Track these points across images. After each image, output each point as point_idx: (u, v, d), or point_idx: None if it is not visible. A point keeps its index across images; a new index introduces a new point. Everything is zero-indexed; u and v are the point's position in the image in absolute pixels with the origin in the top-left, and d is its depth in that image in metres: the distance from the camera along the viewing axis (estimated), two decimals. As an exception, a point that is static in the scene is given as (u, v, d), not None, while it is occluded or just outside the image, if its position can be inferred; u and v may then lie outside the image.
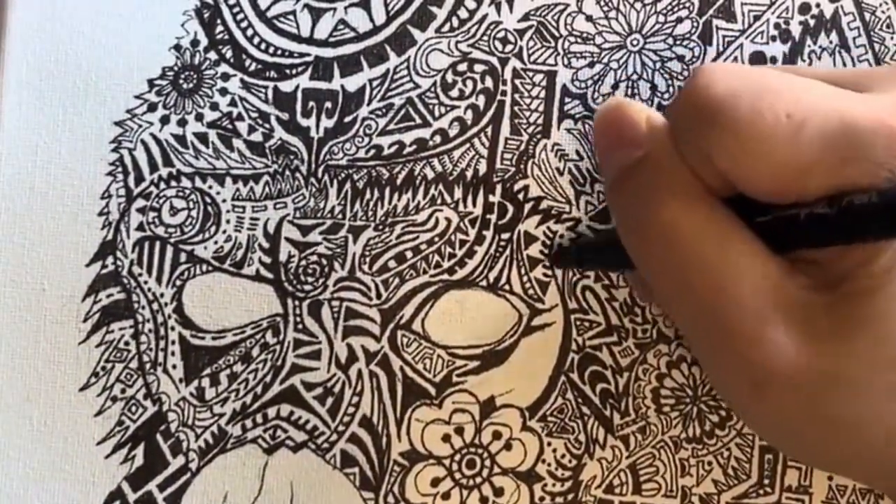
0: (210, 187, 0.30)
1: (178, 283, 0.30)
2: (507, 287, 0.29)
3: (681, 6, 0.30)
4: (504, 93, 0.30)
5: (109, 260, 0.30)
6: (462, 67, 0.30)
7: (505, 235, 0.29)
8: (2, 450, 0.29)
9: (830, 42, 0.29)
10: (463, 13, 0.30)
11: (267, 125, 0.30)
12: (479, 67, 0.30)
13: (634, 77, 0.30)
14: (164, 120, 0.30)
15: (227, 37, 0.30)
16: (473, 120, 0.30)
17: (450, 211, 0.30)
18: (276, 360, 0.29)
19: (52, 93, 0.30)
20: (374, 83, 0.30)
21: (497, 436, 0.29)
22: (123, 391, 0.30)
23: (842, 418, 0.22)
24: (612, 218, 0.28)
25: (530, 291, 0.29)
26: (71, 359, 0.30)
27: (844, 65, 0.29)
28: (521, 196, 0.30)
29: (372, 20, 0.30)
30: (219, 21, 0.30)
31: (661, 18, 0.30)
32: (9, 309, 0.30)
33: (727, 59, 0.30)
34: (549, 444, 0.29)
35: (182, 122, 0.30)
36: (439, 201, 0.30)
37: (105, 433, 0.29)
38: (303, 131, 0.30)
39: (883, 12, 0.29)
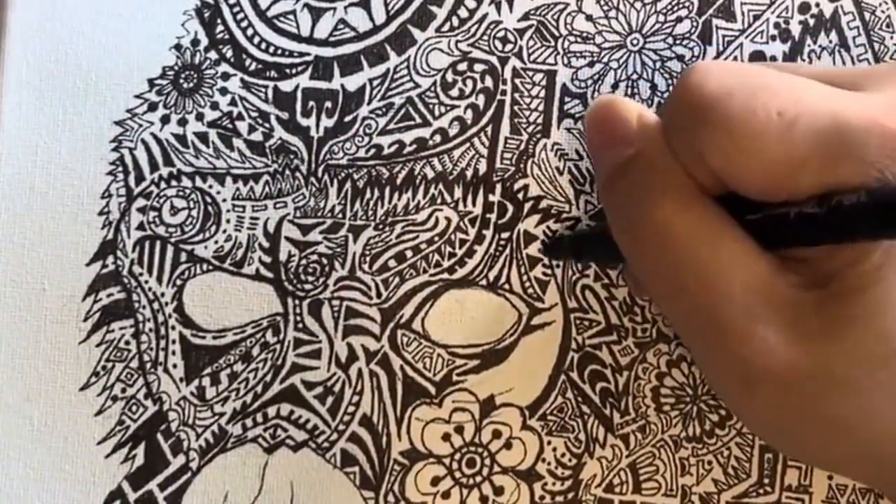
0: (210, 187, 0.30)
1: (179, 282, 0.30)
2: (506, 286, 0.29)
3: (680, 6, 0.30)
4: (504, 92, 0.30)
5: (110, 259, 0.30)
6: (462, 67, 0.30)
7: (505, 235, 0.30)
8: (2, 450, 0.29)
9: (830, 41, 0.29)
10: (463, 12, 0.30)
11: (267, 125, 0.30)
12: (479, 67, 0.30)
13: (634, 77, 0.30)
14: (165, 119, 0.30)
15: (227, 36, 0.30)
16: (473, 119, 0.30)
17: (450, 210, 0.30)
18: (276, 360, 0.30)
19: (52, 93, 0.30)
20: (375, 83, 0.30)
21: (497, 435, 0.29)
22: (124, 391, 0.30)
23: (831, 416, 0.22)
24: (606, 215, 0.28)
25: (530, 290, 0.29)
26: (71, 358, 0.30)
27: (844, 64, 0.29)
28: (520, 195, 0.30)
29: (372, 20, 0.30)
30: (219, 21, 0.30)
31: (661, 18, 0.30)
32: (9, 309, 0.30)
33: (727, 58, 0.30)
34: (549, 442, 0.29)
35: (182, 122, 0.30)
36: (439, 201, 0.30)
37: (105, 433, 0.29)
38: (303, 131, 0.30)
39: (882, 12, 0.29)
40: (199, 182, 0.30)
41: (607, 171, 0.25)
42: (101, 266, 0.30)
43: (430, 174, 0.30)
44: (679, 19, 0.30)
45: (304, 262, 0.30)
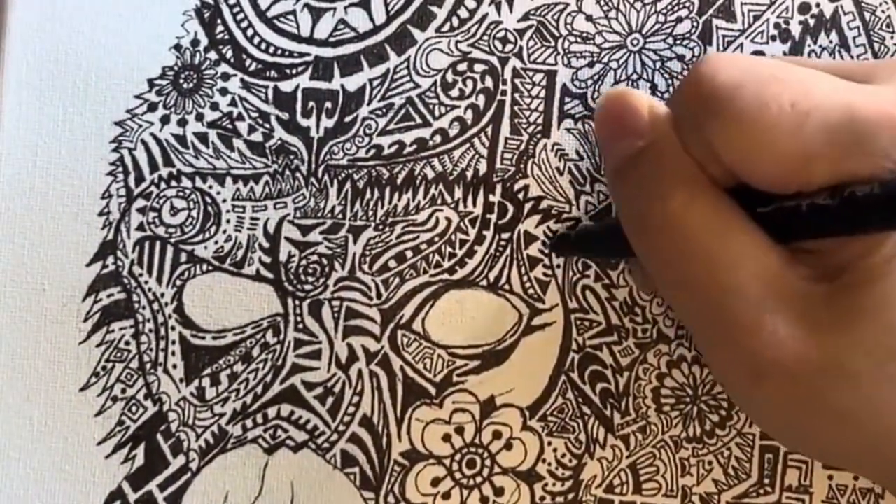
0: (210, 187, 0.30)
1: (179, 282, 0.30)
2: (507, 287, 0.29)
3: (681, 6, 0.30)
4: (504, 92, 0.30)
5: (110, 260, 0.30)
6: (462, 67, 0.30)
7: (505, 235, 0.29)
8: (2, 450, 0.29)
9: (830, 42, 0.29)
10: (463, 13, 0.30)
11: (267, 125, 0.30)
12: (479, 67, 0.30)
13: (634, 77, 0.30)
14: (165, 120, 0.30)
15: (227, 37, 0.30)
16: (473, 120, 0.30)
17: (450, 211, 0.30)
18: (276, 360, 0.30)
19: (52, 93, 0.30)
20: (375, 83, 0.30)
21: (497, 435, 0.29)
22: (124, 391, 0.30)
23: (840, 409, 0.22)
24: (614, 207, 0.28)
25: (530, 291, 0.29)
26: (71, 359, 0.30)
27: (844, 64, 0.29)
28: (521, 196, 0.30)
29: (372, 20, 0.30)
30: (219, 21, 0.30)
31: (661, 18, 0.30)
32: (9, 309, 0.30)
33: (727, 58, 0.30)
34: (549, 443, 0.29)
35: (182, 122, 0.30)
36: (439, 201, 0.30)
37: (105, 433, 0.29)
38: (303, 131, 0.30)
39: (883, 12, 0.29)
40: (199, 182, 0.30)
41: (617, 162, 0.25)
42: (102, 266, 0.30)
43: (431, 174, 0.30)
44: (679, 19, 0.30)
45: (304, 262, 0.30)
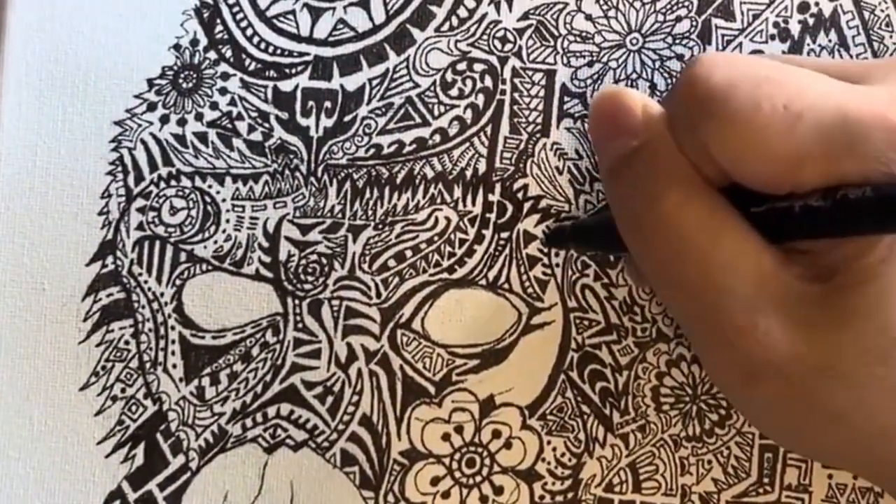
0: (210, 187, 0.30)
1: (178, 282, 0.30)
2: (506, 286, 0.29)
3: (680, 5, 0.30)
4: (503, 92, 0.30)
5: (109, 259, 0.30)
6: (461, 66, 0.30)
7: (504, 234, 0.30)
8: (2, 449, 0.29)
9: (829, 41, 0.29)
10: (462, 12, 0.30)
11: (266, 124, 0.30)
12: (478, 66, 0.30)
13: (634, 76, 0.30)
14: (164, 119, 0.30)
15: (226, 36, 0.30)
16: (473, 119, 0.30)
17: (449, 210, 0.30)
18: (276, 360, 0.30)
19: (52, 93, 0.30)
20: (374, 82, 0.30)
21: (497, 434, 0.29)
22: (123, 390, 0.30)
23: (833, 410, 0.22)
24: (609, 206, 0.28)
25: (529, 290, 0.29)
26: (71, 358, 0.30)
27: (843, 63, 0.29)
28: (520, 195, 0.30)
29: (371, 19, 0.30)
30: (218, 21, 0.30)
31: (661, 17, 0.30)
32: (9, 309, 0.30)
33: (726, 57, 0.30)
34: (548, 442, 0.29)
35: (182, 122, 0.30)
36: (439, 200, 0.30)
37: (105, 433, 0.30)
38: (302, 131, 0.30)
39: (882, 11, 0.29)
40: (198, 182, 0.30)
41: (611, 162, 0.25)
42: (101, 266, 0.30)
43: (430, 174, 0.30)
44: (678, 19, 0.30)
45: (303, 261, 0.30)
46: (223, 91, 0.30)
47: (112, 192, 0.30)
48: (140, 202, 0.30)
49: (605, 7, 0.30)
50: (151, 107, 0.30)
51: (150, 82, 0.30)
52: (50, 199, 0.30)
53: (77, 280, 0.30)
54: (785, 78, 0.22)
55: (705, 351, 0.24)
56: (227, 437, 0.29)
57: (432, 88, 0.30)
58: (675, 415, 0.29)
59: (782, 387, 0.22)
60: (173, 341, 0.30)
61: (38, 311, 0.30)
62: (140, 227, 0.30)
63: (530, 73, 0.30)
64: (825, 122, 0.21)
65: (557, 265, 0.29)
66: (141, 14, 0.30)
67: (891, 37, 0.29)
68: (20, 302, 0.30)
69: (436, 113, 0.30)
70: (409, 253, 0.30)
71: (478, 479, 0.29)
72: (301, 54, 0.30)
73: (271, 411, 0.29)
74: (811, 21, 0.30)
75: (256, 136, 0.30)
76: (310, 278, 0.30)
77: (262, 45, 0.30)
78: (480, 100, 0.30)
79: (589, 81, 0.30)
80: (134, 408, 0.30)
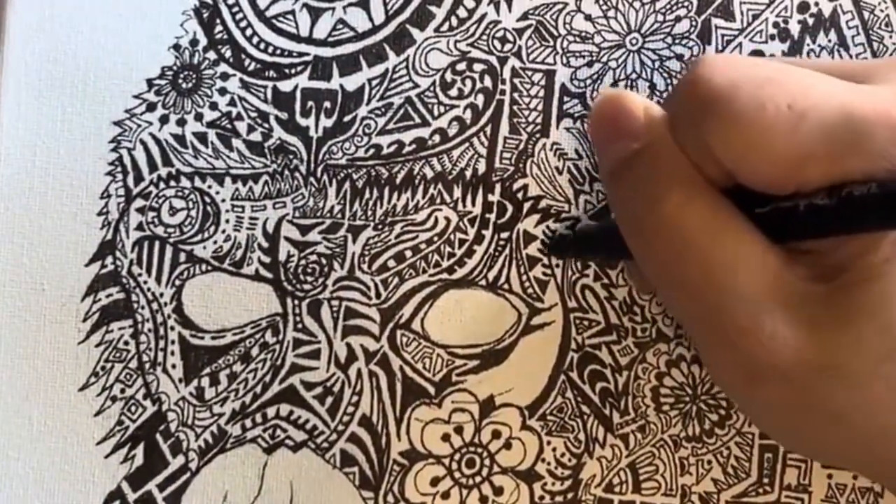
0: (209, 187, 0.30)
1: (178, 282, 0.30)
2: (506, 286, 0.29)
3: (679, 5, 0.30)
4: (503, 92, 0.30)
5: (109, 260, 0.30)
6: (461, 67, 0.30)
7: (504, 234, 0.30)
8: (1, 450, 0.29)
9: (829, 41, 0.29)
10: (462, 12, 0.30)
11: (266, 125, 0.30)
12: (478, 67, 0.30)
13: (633, 76, 0.30)
14: (164, 120, 0.30)
15: (226, 36, 0.30)
16: (472, 119, 0.30)
17: (449, 210, 0.30)
18: (275, 360, 0.30)
19: (52, 93, 0.30)
20: (374, 83, 0.30)
21: (496, 435, 0.29)
22: (123, 391, 0.30)
23: (835, 410, 0.22)
24: (611, 209, 0.28)
25: (529, 290, 0.29)
26: (70, 358, 0.30)
27: (843, 63, 0.29)
28: (520, 195, 0.30)
29: (371, 20, 0.30)
30: (218, 21, 0.30)
31: (660, 17, 0.30)
32: (8, 309, 0.30)
33: (726, 57, 0.30)
34: (548, 442, 0.29)
35: (181, 122, 0.30)
36: (438, 200, 0.30)
37: (105, 433, 0.29)
38: (302, 131, 0.30)
39: (881, 10, 0.29)
40: (198, 182, 0.30)
41: (612, 164, 0.25)
42: (101, 266, 0.30)
43: (430, 174, 0.30)
44: (678, 19, 0.30)
45: (303, 262, 0.30)
46: (223, 91, 0.30)
47: (111, 192, 0.30)
48: (139, 202, 0.30)
49: (604, 7, 0.30)
50: (151, 107, 0.30)
51: (150, 82, 0.30)
52: (49, 199, 0.30)
53: (76, 280, 0.30)
54: (788, 78, 0.22)
55: (708, 351, 0.24)
56: (226, 437, 0.29)
57: (432, 89, 0.30)
58: (675, 415, 0.29)
59: (786, 388, 0.22)
60: (173, 342, 0.30)
61: (38, 312, 0.30)
62: (139, 227, 0.30)
63: (530, 73, 0.30)
64: (829, 121, 0.21)
65: (557, 265, 0.29)
66: (140, 14, 0.30)
67: (890, 37, 0.29)
68: (20, 302, 0.30)
69: (435, 113, 0.30)
70: (408, 253, 0.30)
71: (477, 479, 0.29)
72: (300, 54, 0.30)
73: (271, 412, 0.29)
74: (811, 21, 0.30)
75: (256, 137, 0.30)
76: (309, 279, 0.30)
77: (262, 46, 0.30)
78: (480, 100, 0.30)
79: (588, 81, 0.30)
80: (133, 408, 0.30)
